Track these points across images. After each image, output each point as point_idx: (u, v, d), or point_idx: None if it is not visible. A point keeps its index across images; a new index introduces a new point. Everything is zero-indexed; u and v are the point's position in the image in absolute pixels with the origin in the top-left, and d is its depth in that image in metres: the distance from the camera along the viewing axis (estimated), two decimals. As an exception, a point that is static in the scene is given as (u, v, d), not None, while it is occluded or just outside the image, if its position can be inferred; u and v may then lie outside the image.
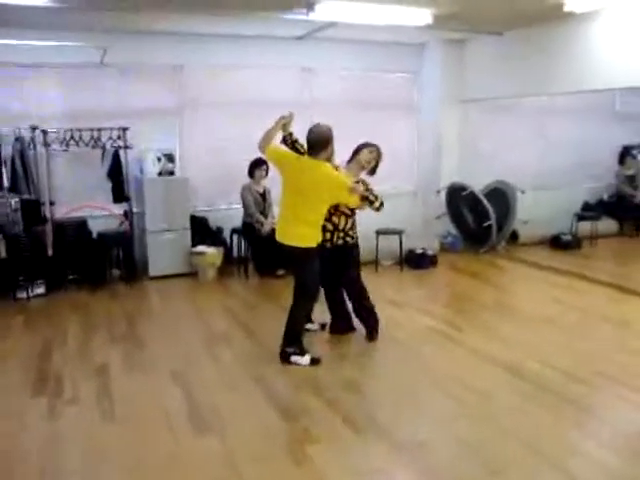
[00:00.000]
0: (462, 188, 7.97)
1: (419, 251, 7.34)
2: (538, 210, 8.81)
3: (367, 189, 4.46)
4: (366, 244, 7.25)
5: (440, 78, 8.15)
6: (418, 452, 3.20)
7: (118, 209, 6.89)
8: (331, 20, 6.18)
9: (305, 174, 4.33)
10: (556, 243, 8.54)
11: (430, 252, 7.37)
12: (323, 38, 7.36)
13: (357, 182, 4.42)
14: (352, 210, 4.69)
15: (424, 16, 6.11)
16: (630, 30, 5.91)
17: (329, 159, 4.49)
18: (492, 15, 6.43)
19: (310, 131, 4.43)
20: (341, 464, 3.10)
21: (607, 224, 9.18)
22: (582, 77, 6.47)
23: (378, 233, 7.17)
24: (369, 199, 4.38)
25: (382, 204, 4.44)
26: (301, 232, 4.36)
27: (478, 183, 8.15)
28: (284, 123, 4.55)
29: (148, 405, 3.79)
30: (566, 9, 5.88)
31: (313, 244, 4.40)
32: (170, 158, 6.97)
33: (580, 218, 8.91)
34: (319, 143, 4.36)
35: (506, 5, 5.93)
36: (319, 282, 4.67)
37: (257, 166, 6.89)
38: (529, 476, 2.99)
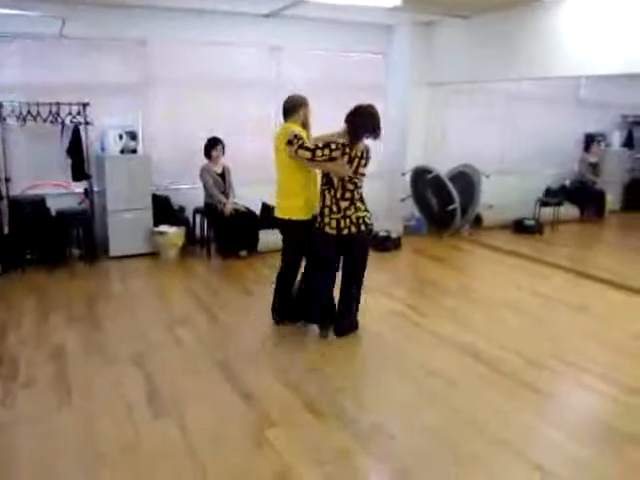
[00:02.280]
0: (427, 171, 7.98)
1: (383, 234, 7.34)
2: (502, 195, 8.91)
3: (318, 146, 4.29)
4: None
5: (408, 60, 8.11)
6: (379, 438, 3.20)
7: (78, 187, 6.71)
8: (299, -2, 6.09)
9: (277, 141, 4.57)
10: (519, 228, 8.64)
11: (394, 235, 7.37)
12: (292, 16, 7.25)
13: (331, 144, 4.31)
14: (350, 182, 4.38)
15: (393, -3, 6.05)
16: (595, 18, 5.95)
17: (304, 125, 4.65)
18: (460, -2, 6.42)
19: (285, 100, 4.67)
20: (301, 449, 3.08)
21: (569, 210, 9.33)
22: (547, 63, 6.50)
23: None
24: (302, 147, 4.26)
25: (313, 155, 4.25)
26: (286, 204, 4.55)
27: (443, 166, 8.17)
28: None
29: (106, 389, 3.71)
30: (534, -6, 5.89)
31: (302, 216, 4.48)
32: (132, 136, 6.81)
33: (543, 203, 9.03)
34: (289, 108, 4.63)
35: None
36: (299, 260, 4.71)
37: (212, 146, 6.80)
38: (490, 461, 3.02)
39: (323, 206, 4.43)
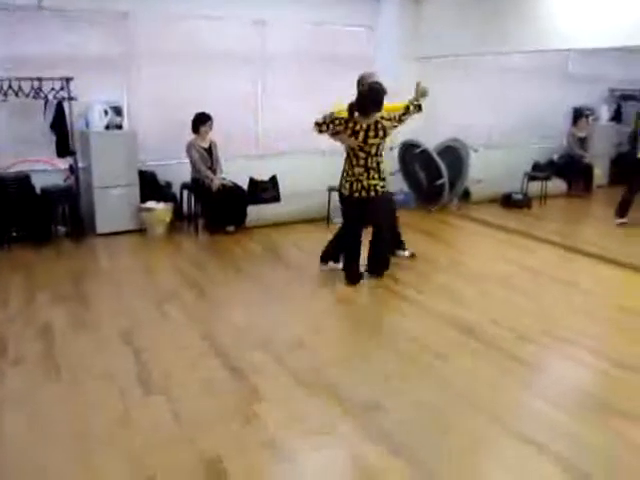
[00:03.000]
0: (415, 145, 7.94)
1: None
2: (490, 169, 8.91)
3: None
4: (318, 200, 7.25)
5: (396, 34, 8.02)
6: (370, 413, 3.20)
7: (63, 163, 6.62)
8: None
9: None
10: (507, 202, 8.65)
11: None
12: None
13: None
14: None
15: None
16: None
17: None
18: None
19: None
20: (290, 423, 3.09)
21: (556, 184, 9.34)
22: (537, 37, 6.45)
23: (330, 190, 7.10)
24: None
25: (319, 129, 4.90)
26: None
27: (432, 141, 8.14)
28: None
29: (95, 365, 3.70)
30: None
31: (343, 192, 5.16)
32: (118, 111, 6.71)
33: (531, 178, 9.03)
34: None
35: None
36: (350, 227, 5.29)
37: (202, 122, 6.71)
38: (480, 436, 3.04)
39: (343, 171, 5.14)
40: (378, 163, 4.98)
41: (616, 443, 2.98)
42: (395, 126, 5.07)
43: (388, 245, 5.51)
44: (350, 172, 5.02)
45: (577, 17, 5.99)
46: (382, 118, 4.93)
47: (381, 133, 4.89)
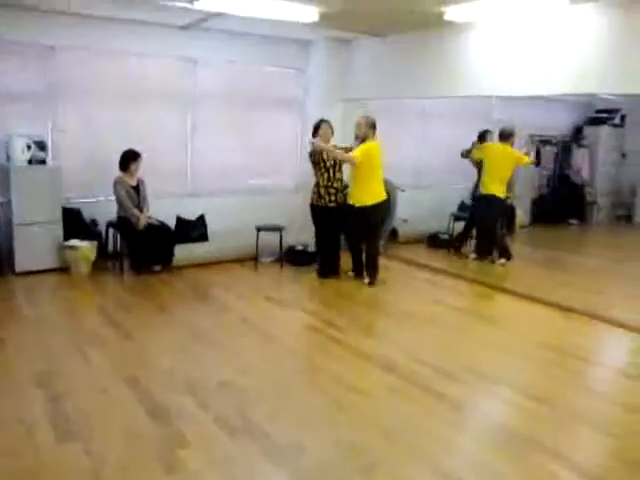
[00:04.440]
0: (345, 186, 8.04)
1: (299, 248, 7.34)
2: (417, 209, 9.13)
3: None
4: (246, 240, 7.23)
5: (325, 76, 8.19)
6: (294, 454, 3.17)
7: (-20, 198, 6.38)
8: (217, 11, 6.03)
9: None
10: (434, 242, 8.85)
11: (310, 249, 7.34)
12: (209, 29, 7.20)
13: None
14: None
15: (311, 13, 6.11)
16: (504, 42, 6.20)
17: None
18: (375, 18, 6.54)
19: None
20: (214, 469, 3.02)
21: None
22: (459, 83, 6.72)
23: (258, 229, 7.11)
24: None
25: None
26: None
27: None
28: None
29: (4, 413, 3.51)
30: (447, 18, 6.07)
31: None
32: (41, 146, 6.52)
33: (456, 218, 9.28)
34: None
35: (389, 9, 6.03)
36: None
37: (133, 159, 6.60)
38: (404, 475, 3.04)
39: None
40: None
41: (537, 478, 3.04)
42: None
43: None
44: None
45: (495, 66, 6.28)
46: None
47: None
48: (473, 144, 8.12)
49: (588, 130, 11.85)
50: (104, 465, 3.00)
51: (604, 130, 11.65)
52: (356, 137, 6.47)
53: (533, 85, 5.98)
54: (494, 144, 7.74)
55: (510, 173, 7.59)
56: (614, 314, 5.64)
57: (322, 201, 6.54)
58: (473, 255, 7.99)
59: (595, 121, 11.84)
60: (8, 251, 6.42)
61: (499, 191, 7.51)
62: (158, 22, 6.98)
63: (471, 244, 8.19)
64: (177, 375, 4.10)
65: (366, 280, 6.55)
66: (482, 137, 8.12)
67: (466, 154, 8.10)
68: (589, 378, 4.50)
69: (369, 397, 3.89)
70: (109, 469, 2.97)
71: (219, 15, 6.23)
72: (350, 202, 6.51)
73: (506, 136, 7.52)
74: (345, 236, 6.89)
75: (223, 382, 4.00)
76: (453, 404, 3.84)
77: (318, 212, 6.63)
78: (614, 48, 5.28)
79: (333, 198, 6.55)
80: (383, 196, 6.52)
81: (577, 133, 11.94)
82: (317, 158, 6.51)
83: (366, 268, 6.62)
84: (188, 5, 5.68)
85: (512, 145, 7.58)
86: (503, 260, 7.68)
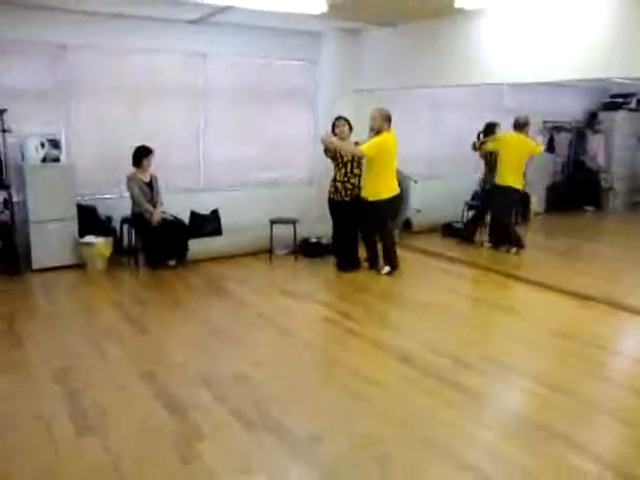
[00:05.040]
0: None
1: (313, 240, 7.35)
2: (431, 199, 9.09)
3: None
4: (260, 233, 7.25)
5: (336, 67, 8.16)
6: (311, 447, 3.18)
7: (-3, 197, 6.44)
8: (226, 4, 6.03)
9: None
10: (447, 231, 8.82)
11: (324, 241, 7.35)
12: (218, 23, 7.19)
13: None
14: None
15: (319, 4, 6.08)
16: (515, 29, 6.14)
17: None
18: (385, 7, 6.50)
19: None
20: (231, 461, 3.04)
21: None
22: (470, 71, 6.66)
23: (272, 222, 7.12)
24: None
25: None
26: None
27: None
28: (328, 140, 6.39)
29: (23, 408, 3.55)
30: (457, 5, 6.01)
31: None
32: (55, 144, 6.58)
33: (470, 207, 9.23)
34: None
35: (399, -3, 6.01)
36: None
37: (145, 155, 6.62)
38: (422, 466, 3.04)
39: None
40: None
41: (556, 468, 3.03)
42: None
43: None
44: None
45: (507, 53, 6.22)
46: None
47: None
48: (479, 137, 8.06)
49: (603, 115, 11.71)
50: (122, 459, 3.03)
51: (620, 115, 11.51)
52: (371, 129, 6.41)
53: (543, 71, 5.92)
54: (509, 134, 7.68)
55: (525, 163, 7.55)
56: (632, 302, 5.60)
57: (338, 195, 6.56)
58: (488, 244, 7.95)
59: (610, 106, 11.70)
60: (25, 248, 6.48)
61: (515, 182, 7.48)
62: (167, 17, 6.99)
63: (482, 232, 8.15)
64: (193, 369, 4.13)
65: (385, 270, 6.58)
66: (488, 129, 8.03)
67: (478, 146, 8.02)
68: (607, 367, 4.46)
69: (385, 388, 3.89)
70: (127, 463, 3.00)
71: (228, 9, 6.23)
72: (363, 195, 6.50)
73: (521, 125, 7.47)
74: (360, 229, 6.87)
75: (239, 375, 4.02)
76: (470, 394, 3.83)
77: (335, 206, 6.65)
78: (623, 32, 5.22)
79: (349, 193, 6.53)
80: (396, 190, 6.51)
81: (592, 119, 11.80)
82: (332, 154, 6.53)
83: (384, 259, 6.65)
84: (198, 0, 5.68)
85: (527, 134, 7.52)
86: (514, 249, 7.63)
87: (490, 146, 7.84)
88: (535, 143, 7.63)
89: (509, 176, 7.47)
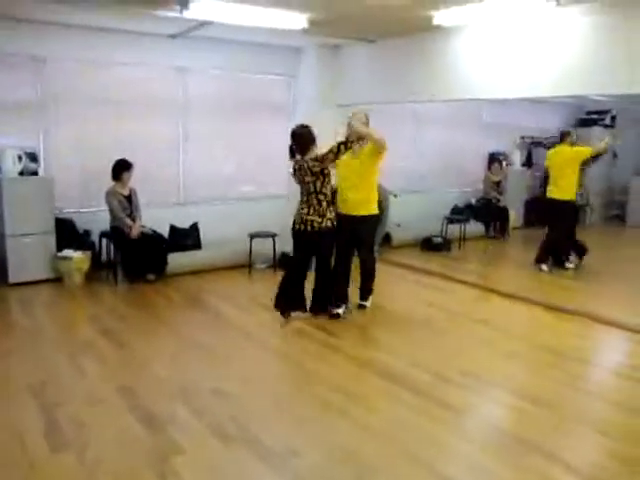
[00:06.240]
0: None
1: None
2: (410, 213, 9.15)
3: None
4: (240, 247, 7.23)
5: (316, 82, 8.21)
6: (288, 461, 3.16)
7: (-28, 210, 6.36)
8: (206, 19, 6.05)
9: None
10: (427, 245, 8.87)
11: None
12: (198, 37, 7.21)
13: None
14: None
15: (300, 20, 6.13)
16: (492, 46, 6.25)
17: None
18: (365, 23, 6.56)
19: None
20: (208, 475, 3.01)
21: (474, 227, 9.68)
22: (447, 87, 6.75)
23: (251, 236, 7.12)
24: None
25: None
26: None
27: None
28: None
29: (-1, 424, 3.51)
30: (435, 22, 6.10)
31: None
32: (33, 157, 6.52)
33: (450, 221, 9.31)
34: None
35: (378, 15, 6.06)
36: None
37: (125, 169, 6.60)
38: (398, 476, 3.04)
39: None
40: (319, 201, 5.20)
41: (525, 477, 3.04)
42: (319, 165, 5.12)
43: (328, 280, 5.54)
44: (298, 208, 5.35)
45: (484, 69, 6.32)
46: (311, 159, 5.16)
47: (308, 172, 5.15)
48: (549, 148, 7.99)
49: (579, 131, 11.87)
50: (98, 474, 2.99)
51: (595, 131, 11.68)
52: (359, 139, 5.45)
53: (520, 87, 6.03)
54: (553, 149, 7.75)
55: (574, 173, 7.34)
56: (611, 315, 5.66)
57: (327, 222, 5.29)
58: (571, 265, 7.69)
59: (586, 122, 11.89)
60: (1, 262, 6.40)
61: (566, 194, 7.33)
62: (148, 32, 7.00)
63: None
64: (171, 383, 4.10)
65: (367, 303, 5.84)
66: (562, 138, 7.81)
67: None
68: (586, 379, 4.49)
69: (365, 403, 3.88)
70: (102, 477, 2.96)
71: (208, 23, 6.25)
72: (349, 212, 5.55)
73: (562, 137, 7.58)
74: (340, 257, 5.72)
75: (217, 390, 3.99)
76: (450, 408, 3.82)
77: (326, 235, 5.37)
78: (599, 50, 5.34)
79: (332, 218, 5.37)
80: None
81: (568, 135, 11.95)
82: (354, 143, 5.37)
83: (366, 290, 5.84)
84: (178, 15, 5.69)
85: (571, 144, 7.48)
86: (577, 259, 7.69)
87: (546, 163, 7.89)
88: (582, 147, 7.48)
89: (555, 189, 7.41)
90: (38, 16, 6.28)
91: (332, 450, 3.27)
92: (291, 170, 5.43)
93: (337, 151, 5.12)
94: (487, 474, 3.09)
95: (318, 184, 5.18)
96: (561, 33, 5.62)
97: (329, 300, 5.58)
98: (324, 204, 5.23)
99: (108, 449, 3.24)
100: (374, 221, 5.72)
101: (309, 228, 5.22)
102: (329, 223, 5.25)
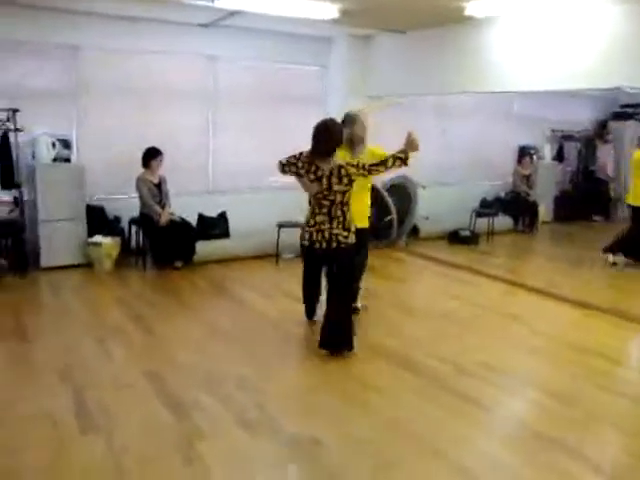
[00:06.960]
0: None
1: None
2: (438, 206, 9.09)
3: None
4: (268, 237, 7.27)
5: (347, 72, 8.19)
6: (310, 449, 3.19)
7: (7, 196, 6.50)
8: (237, 9, 6.08)
9: None
10: (455, 238, 8.82)
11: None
12: (229, 26, 7.24)
13: None
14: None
15: (330, 10, 6.12)
16: (525, 37, 6.18)
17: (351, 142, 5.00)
18: (396, 14, 6.53)
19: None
20: (231, 462, 3.06)
21: (503, 220, 9.59)
22: (479, 79, 6.69)
23: (279, 226, 7.15)
24: None
25: (282, 170, 4.73)
26: None
27: (381, 178, 8.26)
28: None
29: (30, 404, 3.59)
30: (467, 13, 6.05)
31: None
32: (66, 144, 6.66)
33: (478, 214, 9.24)
34: None
35: (409, 5, 6.03)
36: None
37: (153, 156, 6.69)
38: (421, 473, 3.05)
39: (305, 220, 4.53)
40: (344, 212, 4.34)
41: (555, 478, 3.02)
42: (363, 174, 4.36)
43: (346, 314, 4.50)
44: (311, 221, 4.40)
45: (517, 61, 6.25)
46: (347, 164, 4.31)
47: (345, 180, 4.26)
48: None
49: (613, 125, 11.69)
50: (124, 456, 3.06)
51: (629, 125, 11.47)
52: (360, 141, 5.07)
53: (553, 80, 5.96)
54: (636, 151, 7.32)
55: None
56: (638, 312, 5.58)
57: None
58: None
59: (620, 116, 11.67)
60: (34, 247, 6.54)
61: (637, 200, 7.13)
62: (179, 21, 7.06)
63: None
64: (197, 370, 4.16)
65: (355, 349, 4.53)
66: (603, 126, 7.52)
67: None
68: (611, 377, 4.44)
69: (387, 395, 3.89)
70: (129, 461, 3.02)
71: (238, 13, 6.28)
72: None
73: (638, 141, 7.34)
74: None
75: (241, 377, 4.05)
76: (473, 402, 3.81)
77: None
78: (632, 41, 5.24)
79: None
80: None
81: (601, 128, 11.77)
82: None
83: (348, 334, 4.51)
84: (209, 3, 5.73)
85: None
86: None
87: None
88: None
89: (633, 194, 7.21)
90: (71, 6, 6.37)
91: (355, 442, 3.29)
92: (293, 167, 4.54)
93: (390, 166, 4.44)
94: (506, 469, 3.08)
95: (347, 194, 4.33)
96: (594, 24, 5.53)
97: (348, 334, 4.47)
98: (348, 216, 4.37)
99: (134, 433, 3.31)
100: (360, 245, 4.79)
101: (333, 244, 4.31)
102: (354, 238, 4.43)
